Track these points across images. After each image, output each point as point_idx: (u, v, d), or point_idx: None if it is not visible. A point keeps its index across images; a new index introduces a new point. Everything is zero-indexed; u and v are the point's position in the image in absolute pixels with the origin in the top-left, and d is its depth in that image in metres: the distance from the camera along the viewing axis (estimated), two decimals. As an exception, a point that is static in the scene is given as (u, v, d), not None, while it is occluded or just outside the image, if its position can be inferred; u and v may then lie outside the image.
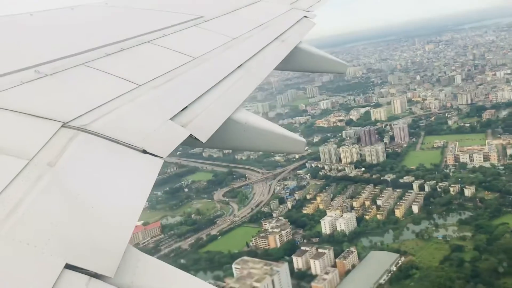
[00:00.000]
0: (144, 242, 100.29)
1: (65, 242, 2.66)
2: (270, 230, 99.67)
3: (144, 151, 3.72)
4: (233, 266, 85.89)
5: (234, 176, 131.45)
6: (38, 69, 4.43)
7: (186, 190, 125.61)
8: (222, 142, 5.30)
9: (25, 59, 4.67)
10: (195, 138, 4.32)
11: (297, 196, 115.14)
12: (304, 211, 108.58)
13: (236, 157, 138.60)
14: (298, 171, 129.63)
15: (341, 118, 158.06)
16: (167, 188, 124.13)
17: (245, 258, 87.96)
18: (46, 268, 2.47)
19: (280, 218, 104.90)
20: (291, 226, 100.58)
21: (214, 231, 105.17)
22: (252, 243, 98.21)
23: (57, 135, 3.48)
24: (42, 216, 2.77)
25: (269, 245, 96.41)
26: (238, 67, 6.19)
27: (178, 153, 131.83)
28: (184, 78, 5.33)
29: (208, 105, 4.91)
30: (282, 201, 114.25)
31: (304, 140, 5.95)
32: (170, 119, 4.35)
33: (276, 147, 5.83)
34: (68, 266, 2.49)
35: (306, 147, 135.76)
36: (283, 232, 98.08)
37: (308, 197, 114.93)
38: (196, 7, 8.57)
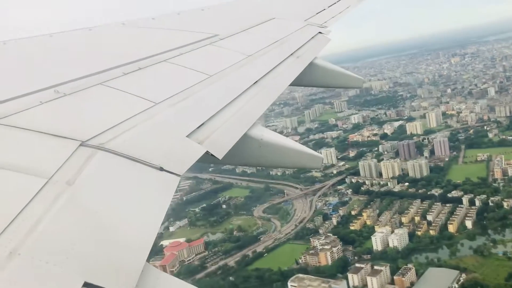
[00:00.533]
0: (189, 259, 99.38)
1: (83, 260, 2.67)
2: (320, 247, 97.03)
3: (161, 169, 3.73)
4: (289, 284, 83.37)
5: (272, 192, 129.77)
6: (57, 89, 4.51)
7: (224, 206, 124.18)
8: (238, 159, 5.30)
9: (44, 79, 4.77)
10: (212, 154, 4.33)
11: (341, 212, 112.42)
12: (352, 227, 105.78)
13: (270, 172, 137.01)
14: (338, 187, 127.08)
15: (374, 132, 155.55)
16: (205, 205, 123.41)
17: (300, 275, 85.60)
18: (65, 286, 2.47)
19: (328, 234, 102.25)
20: (341, 243, 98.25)
21: (259, 248, 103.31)
22: (302, 260, 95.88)
23: (75, 153, 3.51)
24: (60, 234, 2.79)
25: (319, 262, 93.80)
26: (254, 83, 6.22)
27: (211, 169, 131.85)
28: (200, 96, 5.37)
29: (224, 121, 4.92)
30: (326, 217, 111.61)
31: (321, 155, 5.91)
32: (187, 136, 4.37)
33: (293, 162, 5.81)
34: (87, 285, 2.49)
35: (343, 162, 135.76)
36: (334, 249, 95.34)
37: (353, 213, 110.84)
38: (211, 26, 8.68)
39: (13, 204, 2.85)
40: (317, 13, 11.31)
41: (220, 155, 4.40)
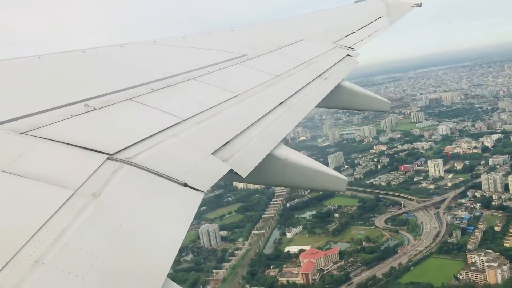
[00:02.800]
0: (328, 268, 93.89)
1: (105, 273, 2.68)
2: (486, 264, 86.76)
3: (186, 185, 3.76)
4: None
5: (385, 203, 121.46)
6: (87, 103, 4.61)
7: (336, 215, 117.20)
8: (262, 178, 5.31)
9: (75, 94, 4.88)
10: (236, 173, 4.35)
11: (482, 227, 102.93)
12: (506, 244, 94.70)
13: (373, 182, 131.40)
14: (460, 200, 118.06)
15: (473, 145, 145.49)
16: (315, 212, 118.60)
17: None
18: None
19: (488, 251, 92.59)
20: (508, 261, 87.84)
21: (398, 260, 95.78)
22: (462, 277, 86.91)
23: (102, 167, 3.57)
24: (84, 246, 2.81)
25: (487, 280, 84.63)
26: (280, 104, 6.24)
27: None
28: (226, 114, 5.41)
29: (249, 140, 4.95)
30: (464, 231, 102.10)
31: (346, 178, 5.85)
32: (212, 153, 4.41)
33: (317, 184, 5.74)
34: None
35: (451, 174, 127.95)
36: (504, 267, 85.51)
37: (496, 228, 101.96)
38: (240, 46, 8.78)
39: (40, 214, 2.90)
40: (346, 36, 11.34)
41: (244, 174, 4.41)
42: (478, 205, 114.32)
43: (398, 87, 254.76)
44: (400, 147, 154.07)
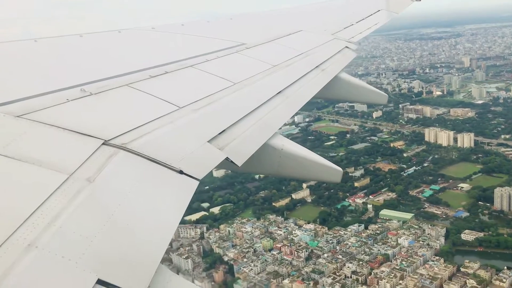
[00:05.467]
0: None
1: (98, 257, 2.69)
2: None
3: (181, 172, 3.75)
4: None
5: None
6: (84, 88, 4.59)
7: None
8: (257, 167, 5.32)
9: (72, 78, 4.86)
10: (231, 161, 4.34)
11: None
12: None
13: None
14: None
15: None
16: None
17: None
18: (79, 282, 2.49)
19: None
20: None
21: None
22: None
23: (97, 152, 3.56)
24: (78, 230, 2.81)
25: None
26: (277, 93, 6.22)
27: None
28: (223, 102, 5.40)
29: (245, 129, 4.94)
30: None
31: (341, 169, 5.86)
32: (208, 141, 4.40)
33: (313, 174, 5.77)
34: (100, 282, 2.51)
35: None
36: None
37: None
38: (239, 35, 8.73)
39: (34, 198, 2.89)
40: (345, 28, 11.30)
41: (239, 162, 4.40)
42: None
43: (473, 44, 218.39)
44: None
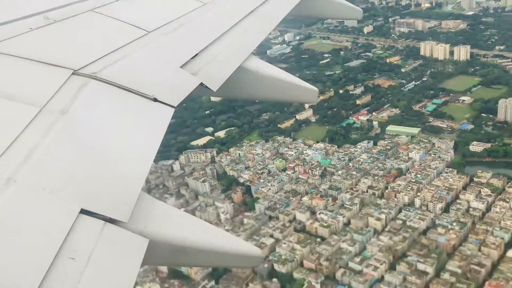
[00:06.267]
0: None
1: (79, 188, 2.72)
2: None
3: (155, 99, 3.71)
4: None
5: None
6: (47, 15, 4.38)
7: None
8: (233, 91, 5.25)
9: (33, 5, 4.61)
10: (206, 86, 4.29)
11: None
12: None
13: None
14: None
15: None
16: None
17: None
18: (62, 213, 2.53)
19: None
20: None
21: None
22: None
23: (68, 82, 3.47)
24: (56, 163, 2.82)
25: None
26: (250, 13, 6.04)
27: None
28: (194, 24, 5.24)
29: (218, 52, 4.83)
30: None
31: (316, 89, 5.85)
32: (181, 67, 4.31)
33: (289, 96, 5.77)
34: (84, 211, 2.55)
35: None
36: None
37: None
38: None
39: (7, 132, 2.86)
40: None
41: (214, 87, 4.35)
42: None
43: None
44: None
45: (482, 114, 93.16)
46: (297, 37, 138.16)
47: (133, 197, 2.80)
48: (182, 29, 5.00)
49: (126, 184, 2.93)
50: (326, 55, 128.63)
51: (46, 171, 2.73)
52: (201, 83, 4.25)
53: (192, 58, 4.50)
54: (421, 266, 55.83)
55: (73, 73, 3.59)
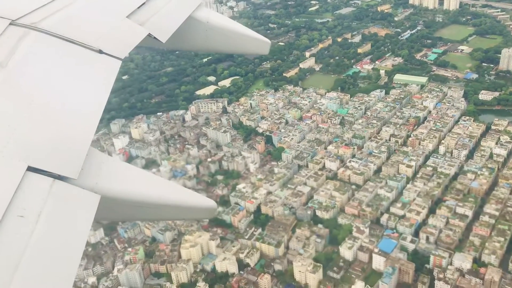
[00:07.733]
0: None
1: (25, 145, 2.64)
2: None
3: (101, 51, 3.57)
4: None
5: None
6: None
7: None
8: (183, 43, 5.11)
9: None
10: (155, 37, 4.15)
11: None
12: None
13: None
14: None
15: None
16: None
17: None
18: (8, 171, 2.47)
19: None
20: None
21: None
22: None
23: (5, 33, 3.30)
24: None
25: None
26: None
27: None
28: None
29: (167, 1, 4.66)
30: None
31: (268, 41, 5.69)
32: (127, 17, 4.14)
33: (240, 47, 5.61)
34: (31, 169, 2.50)
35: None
36: None
37: None
38: None
39: None
40: None
41: (163, 38, 4.22)
42: None
43: None
44: None
45: (483, 64, 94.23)
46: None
47: (82, 153, 2.75)
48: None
49: (74, 140, 2.86)
50: (313, 1, 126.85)
51: None
52: (149, 34, 4.10)
53: (138, 7, 4.33)
54: (460, 210, 56.78)
55: (10, 23, 3.41)
